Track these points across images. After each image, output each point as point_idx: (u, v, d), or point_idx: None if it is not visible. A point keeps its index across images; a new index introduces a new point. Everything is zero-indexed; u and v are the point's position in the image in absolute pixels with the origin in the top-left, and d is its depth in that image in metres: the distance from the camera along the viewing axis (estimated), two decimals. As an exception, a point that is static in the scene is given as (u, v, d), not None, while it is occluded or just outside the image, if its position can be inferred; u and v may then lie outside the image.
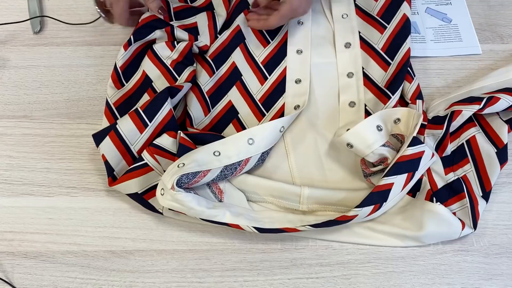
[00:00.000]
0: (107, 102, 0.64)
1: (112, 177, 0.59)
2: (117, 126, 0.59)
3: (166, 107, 0.60)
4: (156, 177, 0.58)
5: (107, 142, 0.59)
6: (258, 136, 0.58)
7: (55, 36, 0.73)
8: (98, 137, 0.59)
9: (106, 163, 0.59)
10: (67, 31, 0.73)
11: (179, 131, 0.59)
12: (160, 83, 0.66)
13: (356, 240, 0.57)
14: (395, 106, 0.63)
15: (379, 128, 0.58)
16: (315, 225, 0.54)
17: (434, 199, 0.56)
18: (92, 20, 0.73)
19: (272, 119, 0.64)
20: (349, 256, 0.57)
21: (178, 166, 0.54)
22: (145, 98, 0.65)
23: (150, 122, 0.59)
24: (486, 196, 0.59)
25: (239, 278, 0.56)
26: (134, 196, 0.58)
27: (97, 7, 0.69)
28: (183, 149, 0.57)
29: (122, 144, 0.59)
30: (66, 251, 0.57)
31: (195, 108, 0.64)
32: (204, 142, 0.58)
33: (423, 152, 0.56)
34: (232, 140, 0.58)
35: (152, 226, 0.59)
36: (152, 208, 0.58)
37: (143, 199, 0.58)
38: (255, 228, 0.55)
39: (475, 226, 0.56)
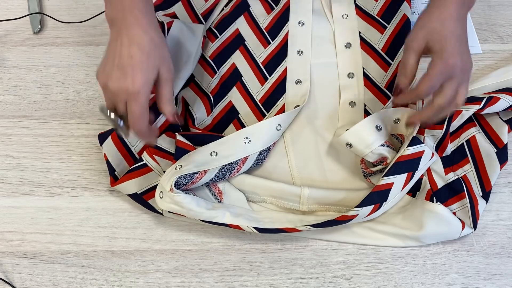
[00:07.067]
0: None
1: (114, 177, 0.59)
2: None
3: None
4: (156, 177, 0.58)
5: (109, 142, 0.59)
6: (255, 135, 0.58)
7: (55, 36, 0.73)
8: (102, 137, 0.60)
9: (108, 163, 0.59)
10: (67, 31, 0.73)
11: (176, 133, 0.59)
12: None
13: (356, 240, 0.57)
14: (394, 106, 0.63)
15: (378, 128, 0.58)
16: (315, 225, 0.54)
17: (434, 199, 0.56)
18: (88, 18, 0.73)
19: (272, 119, 0.64)
20: (349, 256, 0.57)
21: (176, 169, 0.54)
22: None
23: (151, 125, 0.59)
24: (486, 196, 0.59)
25: (239, 278, 0.56)
26: (134, 197, 0.58)
27: (108, 113, 0.52)
28: (180, 152, 0.57)
29: (122, 145, 0.59)
30: (66, 251, 0.57)
31: (198, 109, 0.64)
32: (203, 143, 0.58)
33: (423, 152, 0.56)
34: (228, 140, 0.58)
35: (152, 226, 0.59)
36: (152, 209, 0.58)
37: (143, 199, 0.58)
38: (255, 228, 0.54)
39: (475, 226, 0.56)
